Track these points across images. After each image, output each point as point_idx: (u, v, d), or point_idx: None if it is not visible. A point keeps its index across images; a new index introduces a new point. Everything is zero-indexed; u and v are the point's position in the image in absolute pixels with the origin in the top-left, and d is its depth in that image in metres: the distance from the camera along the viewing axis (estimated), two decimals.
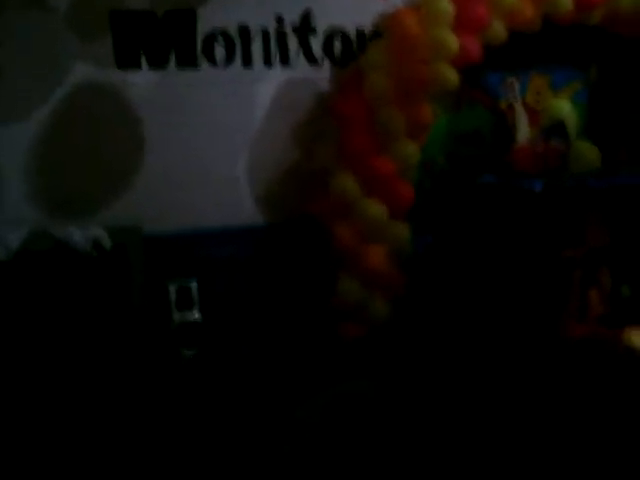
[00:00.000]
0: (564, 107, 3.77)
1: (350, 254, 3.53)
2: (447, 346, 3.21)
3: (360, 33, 3.80)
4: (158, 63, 3.49)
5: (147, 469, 2.77)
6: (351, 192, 3.48)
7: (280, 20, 3.66)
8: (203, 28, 3.52)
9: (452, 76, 3.55)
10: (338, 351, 3.50)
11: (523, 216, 3.22)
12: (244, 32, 3.60)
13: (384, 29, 3.69)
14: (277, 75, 3.66)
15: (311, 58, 3.73)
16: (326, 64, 3.75)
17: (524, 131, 3.91)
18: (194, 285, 3.39)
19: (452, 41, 3.49)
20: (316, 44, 3.72)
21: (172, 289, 3.38)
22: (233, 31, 3.57)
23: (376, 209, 3.48)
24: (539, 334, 2.98)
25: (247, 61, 3.61)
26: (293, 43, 3.67)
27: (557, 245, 3.11)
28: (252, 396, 3.14)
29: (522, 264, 3.08)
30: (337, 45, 3.77)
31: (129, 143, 3.46)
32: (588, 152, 3.66)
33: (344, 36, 3.79)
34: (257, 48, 3.61)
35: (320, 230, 3.53)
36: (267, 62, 3.63)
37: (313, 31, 3.72)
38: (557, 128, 3.61)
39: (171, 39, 3.50)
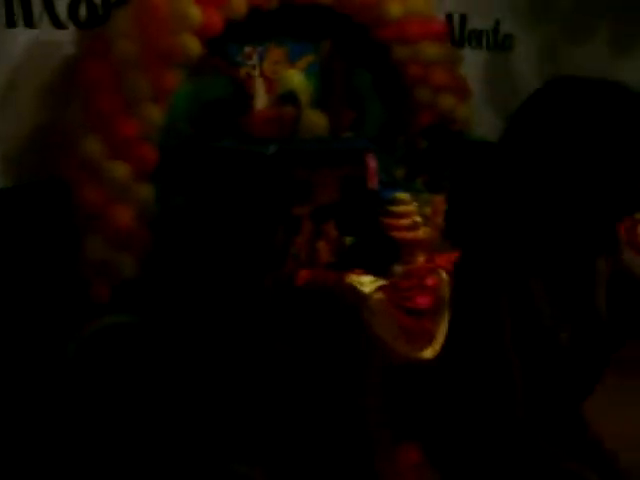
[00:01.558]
0: (295, 77, 4.09)
1: (96, 215, 3.63)
2: (189, 305, 3.42)
3: None
4: None
5: None
6: (97, 154, 3.58)
7: None
8: None
9: (195, 46, 3.74)
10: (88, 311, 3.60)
11: (256, 177, 3.50)
12: None
13: None
14: (21, 36, 3.66)
15: (56, 21, 3.76)
16: (72, 27, 3.81)
17: (261, 99, 4.20)
18: None
19: (195, 14, 3.68)
20: (61, 6, 3.76)
21: None
22: None
23: (121, 170, 3.60)
24: (271, 284, 3.28)
25: None
26: (37, 5, 3.68)
27: (288, 203, 3.42)
28: None
29: (254, 222, 3.36)
30: (83, 9, 3.84)
31: None
32: (316, 119, 4.02)
33: (89, 1, 3.86)
34: None
35: (67, 192, 3.60)
36: (10, 23, 3.62)
37: None
38: (289, 96, 3.92)
39: None
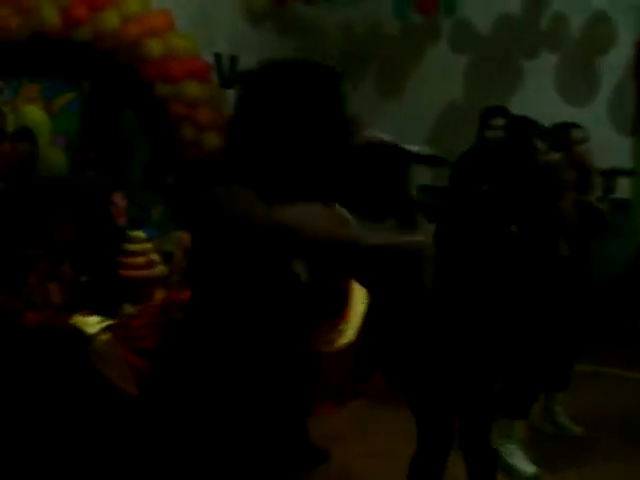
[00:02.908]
0: (32, 113, 4.01)
1: None
2: None
3: None
4: None
5: None
6: None
7: None
8: None
9: None
10: None
11: None
12: None
13: None
14: None
15: None
16: None
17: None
18: None
19: None
20: None
21: None
22: None
23: None
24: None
25: None
26: None
27: (22, 242, 3.32)
28: None
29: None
30: None
31: None
32: (55, 157, 3.94)
33: None
34: None
35: None
36: None
37: None
38: (22, 132, 3.81)
39: None
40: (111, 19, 4.38)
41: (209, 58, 5.16)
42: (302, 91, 1.58)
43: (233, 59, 5.38)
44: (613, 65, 5.53)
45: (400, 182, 1.63)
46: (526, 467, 3.51)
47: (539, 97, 5.28)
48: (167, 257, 3.56)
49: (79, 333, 3.00)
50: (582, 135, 3.70)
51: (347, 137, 1.60)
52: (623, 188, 5.49)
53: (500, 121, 4.43)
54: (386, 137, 1.64)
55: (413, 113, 5.92)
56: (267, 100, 1.60)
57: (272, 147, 1.58)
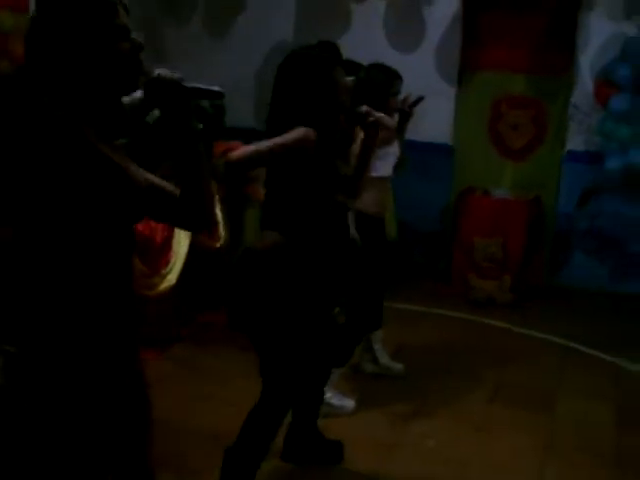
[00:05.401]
0: None
1: None
2: None
3: None
4: None
5: None
6: None
7: None
8: None
9: None
10: None
11: None
12: None
13: None
14: None
15: None
16: None
17: None
18: None
19: None
20: None
21: None
22: None
23: None
24: None
25: None
26: None
27: None
28: None
29: None
30: None
31: None
32: None
33: None
34: None
35: None
36: None
37: None
38: None
39: None
40: None
41: None
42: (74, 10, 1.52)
43: None
44: (439, 15, 5.65)
45: (183, 116, 1.62)
46: (344, 402, 3.55)
47: (367, 40, 5.33)
48: None
49: None
50: None
51: (128, 66, 1.55)
52: (445, 134, 5.67)
53: None
54: (171, 74, 1.60)
55: (242, 53, 5.85)
56: (44, 21, 1.54)
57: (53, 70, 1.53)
